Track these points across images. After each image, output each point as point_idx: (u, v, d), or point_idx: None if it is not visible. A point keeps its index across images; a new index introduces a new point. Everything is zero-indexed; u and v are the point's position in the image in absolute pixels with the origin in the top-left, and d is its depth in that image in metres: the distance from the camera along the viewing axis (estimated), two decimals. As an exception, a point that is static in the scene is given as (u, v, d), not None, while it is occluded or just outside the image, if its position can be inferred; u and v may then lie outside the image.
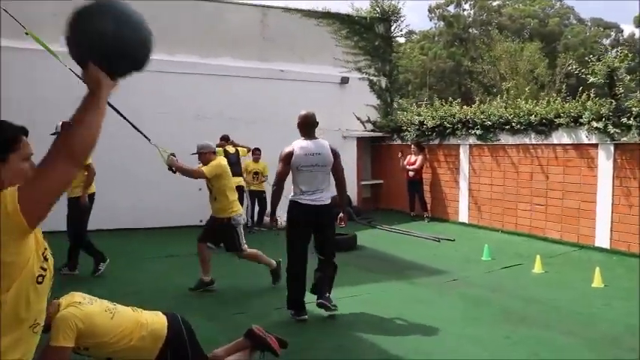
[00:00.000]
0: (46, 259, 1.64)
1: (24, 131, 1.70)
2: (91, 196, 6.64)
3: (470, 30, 41.39)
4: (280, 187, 5.16)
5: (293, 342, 4.36)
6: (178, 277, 6.47)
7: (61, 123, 5.55)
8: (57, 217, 6.30)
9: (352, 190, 12.09)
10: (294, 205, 5.13)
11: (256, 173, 10.23)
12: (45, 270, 1.64)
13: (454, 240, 8.96)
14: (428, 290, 6.12)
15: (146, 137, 5.35)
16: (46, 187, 1.50)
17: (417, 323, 4.96)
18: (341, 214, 5.38)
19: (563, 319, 5.07)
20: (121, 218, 9.67)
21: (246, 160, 10.26)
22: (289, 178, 5.16)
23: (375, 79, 12.70)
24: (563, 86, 11.00)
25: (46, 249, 1.66)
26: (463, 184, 10.28)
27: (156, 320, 3.25)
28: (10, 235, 1.48)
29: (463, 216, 10.26)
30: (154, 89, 9.86)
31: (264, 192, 10.13)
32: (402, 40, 40.05)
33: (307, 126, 5.18)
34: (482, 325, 4.93)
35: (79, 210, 6.47)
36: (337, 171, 5.23)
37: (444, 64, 39.93)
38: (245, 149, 10.08)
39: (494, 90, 17.14)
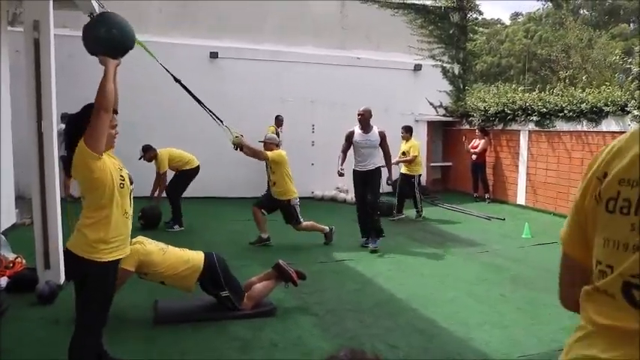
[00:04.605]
0: (122, 176, 2.92)
1: (115, 111, 2.97)
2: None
3: (580, 11, 39.27)
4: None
5: (322, 283, 5.50)
6: (250, 235, 7.70)
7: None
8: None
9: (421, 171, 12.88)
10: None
11: (403, 153, 9.64)
12: (123, 179, 2.92)
13: (504, 219, 9.54)
14: (456, 257, 6.91)
15: (218, 119, 6.60)
16: (95, 129, 2.74)
17: (431, 279, 5.87)
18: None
19: (565, 286, 5.70)
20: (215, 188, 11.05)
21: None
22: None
23: (448, 66, 13.21)
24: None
25: (121, 169, 2.94)
26: (522, 168, 10.75)
27: (196, 257, 4.48)
28: (91, 161, 2.74)
29: (521, 198, 10.75)
30: (243, 76, 11.24)
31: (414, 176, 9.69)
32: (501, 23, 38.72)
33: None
34: (487, 285, 5.70)
35: None
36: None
37: (549, 48, 38.32)
38: None
39: (566, 79, 16.72)
